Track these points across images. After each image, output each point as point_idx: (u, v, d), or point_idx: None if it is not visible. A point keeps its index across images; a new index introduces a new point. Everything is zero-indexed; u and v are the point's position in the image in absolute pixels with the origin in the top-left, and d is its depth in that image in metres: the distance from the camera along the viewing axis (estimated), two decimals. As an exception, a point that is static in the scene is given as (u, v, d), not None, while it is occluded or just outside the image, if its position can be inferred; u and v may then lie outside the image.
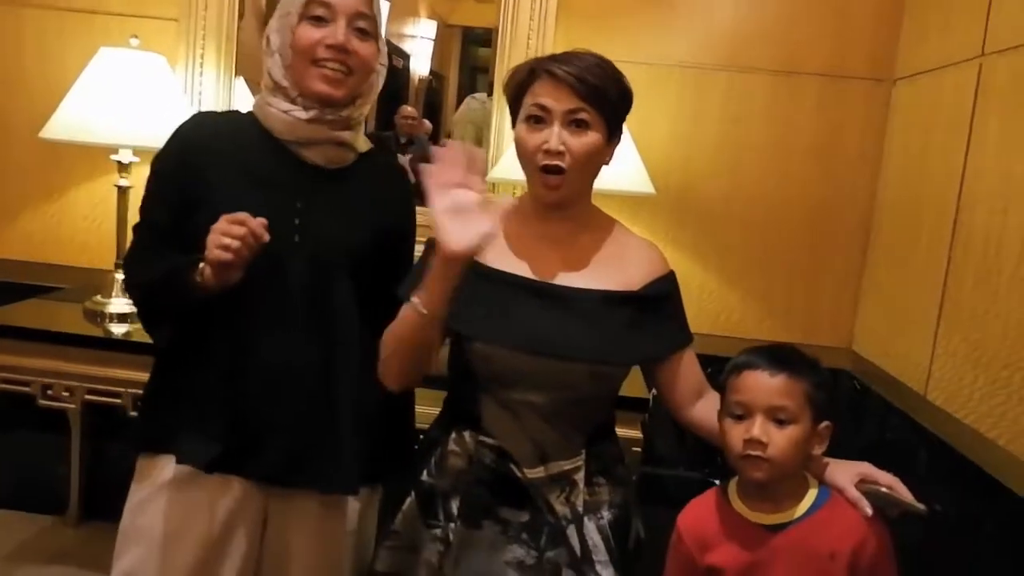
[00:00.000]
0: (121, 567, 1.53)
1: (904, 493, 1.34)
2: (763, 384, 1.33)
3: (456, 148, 1.28)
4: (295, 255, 1.47)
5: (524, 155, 1.44)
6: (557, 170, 1.40)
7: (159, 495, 1.50)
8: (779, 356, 1.36)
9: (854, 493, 1.35)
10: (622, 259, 1.51)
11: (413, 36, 2.93)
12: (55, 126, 2.35)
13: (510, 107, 1.49)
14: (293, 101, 1.48)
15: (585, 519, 1.46)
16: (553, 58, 1.43)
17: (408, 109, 2.89)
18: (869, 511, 1.33)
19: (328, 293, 1.49)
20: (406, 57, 2.91)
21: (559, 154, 1.39)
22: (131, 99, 2.36)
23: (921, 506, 1.34)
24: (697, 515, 1.43)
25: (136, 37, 2.47)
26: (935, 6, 2.42)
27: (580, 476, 1.46)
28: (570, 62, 1.40)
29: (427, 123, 2.90)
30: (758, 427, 1.32)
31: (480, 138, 2.84)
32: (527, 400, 1.43)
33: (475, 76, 3.04)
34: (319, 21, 1.45)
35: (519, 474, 1.44)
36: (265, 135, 1.50)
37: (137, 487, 1.54)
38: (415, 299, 1.32)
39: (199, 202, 1.45)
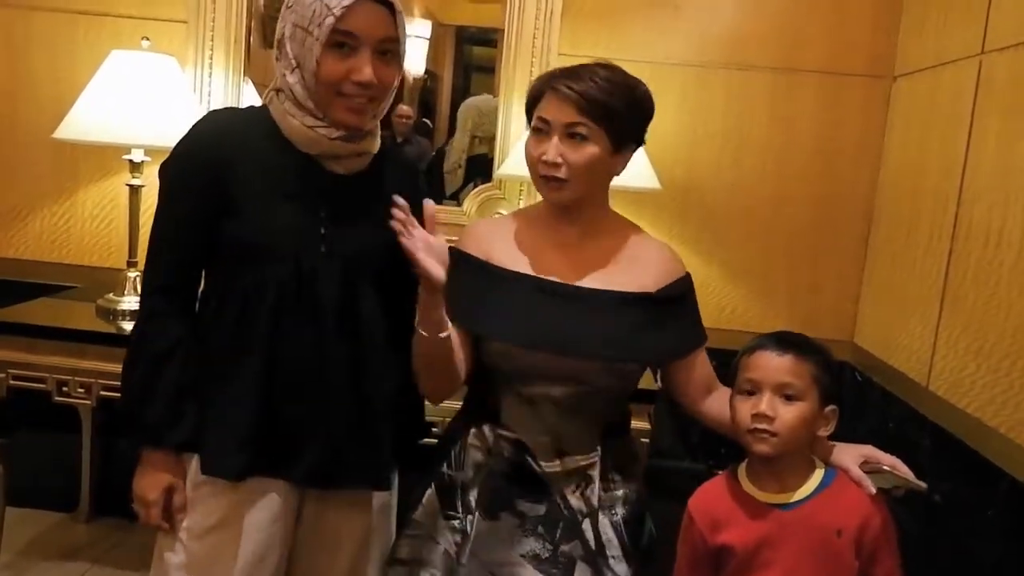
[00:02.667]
0: (162, 568, 1.53)
1: (905, 472, 1.39)
2: (772, 362, 1.39)
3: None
4: (323, 264, 1.47)
5: (528, 164, 1.51)
6: (556, 180, 1.47)
7: (195, 495, 1.50)
8: (789, 339, 1.42)
9: (858, 472, 1.40)
10: (637, 262, 1.56)
11: (408, 35, 2.95)
12: (69, 126, 2.38)
13: (527, 118, 1.56)
14: (317, 118, 1.45)
15: (600, 514, 1.51)
16: (564, 73, 1.48)
17: (404, 108, 2.93)
18: (873, 489, 1.38)
19: (355, 297, 1.49)
20: (400, 56, 2.95)
21: (556, 165, 1.46)
22: (143, 100, 2.38)
23: (922, 484, 1.39)
24: (707, 497, 1.47)
25: (147, 39, 2.50)
26: (934, 4, 2.46)
27: (595, 472, 1.52)
28: (579, 78, 1.46)
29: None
30: (766, 402, 1.38)
31: (480, 124, 2.90)
32: (545, 393, 1.48)
33: (470, 75, 3.06)
34: (343, 49, 1.40)
35: (536, 467, 1.49)
36: (284, 140, 1.47)
37: None
38: (421, 329, 1.41)
39: (225, 210, 1.44)
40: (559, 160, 1.45)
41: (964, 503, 2.01)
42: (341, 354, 1.48)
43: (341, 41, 1.40)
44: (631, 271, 1.55)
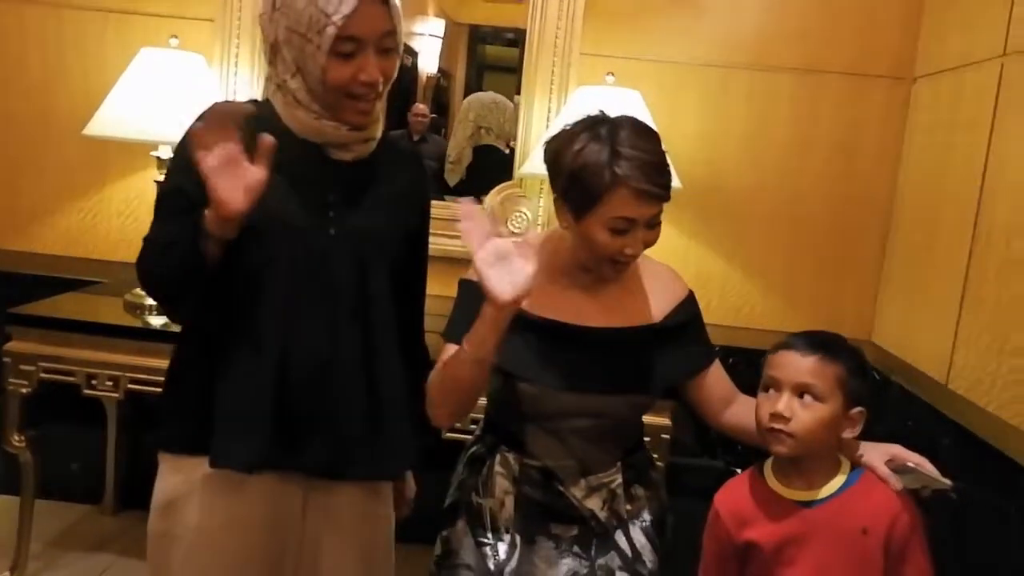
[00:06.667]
0: (163, 563, 1.47)
1: (932, 470, 1.40)
2: (794, 362, 1.38)
3: (470, 206, 1.34)
4: (332, 248, 1.45)
5: (602, 253, 1.45)
6: (627, 259, 1.46)
7: (193, 494, 1.44)
8: (817, 340, 1.41)
9: (884, 470, 1.40)
10: (646, 291, 1.59)
11: (421, 34, 2.98)
12: (99, 123, 2.42)
13: (577, 195, 1.43)
14: (323, 115, 1.43)
15: (629, 524, 1.57)
16: (631, 162, 1.39)
17: (420, 107, 2.95)
18: (899, 485, 1.39)
19: (365, 282, 1.47)
20: (414, 55, 2.97)
21: (632, 256, 1.46)
22: (171, 97, 2.42)
23: (948, 482, 1.40)
24: (733, 493, 1.49)
25: (176, 37, 2.53)
26: (955, 6, 2.47)
27: (618, 486, 1.57)
28: (647, 167, 1.39)
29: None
30: (783, 402, 1.37)
31: (483, 115, 2.93)
32: (570, 427, 1.53)
33: (483, 74, 3.08)
34: (347, 56, 1.38)
35: (564, 491, 1.55)
36: (287, 130, 1.43)
37: (165, 485, 1.47)
38: (466, 345, 1.37)
39: None
40: (640, 248, 1.45)
41: (985, 501, 2.02)
42: (353, 341, 1.45)
43: (345, 50, 1.37)
44: (643, 301, 1.57)
